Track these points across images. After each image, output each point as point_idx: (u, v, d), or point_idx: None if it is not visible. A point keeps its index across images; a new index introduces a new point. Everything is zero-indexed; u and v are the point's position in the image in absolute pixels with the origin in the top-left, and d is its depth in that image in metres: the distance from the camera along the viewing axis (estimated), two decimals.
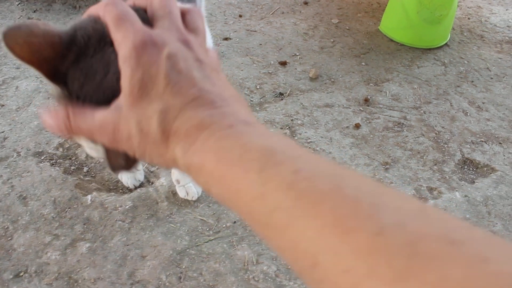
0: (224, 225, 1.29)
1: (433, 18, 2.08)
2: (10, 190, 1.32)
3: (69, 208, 1.30)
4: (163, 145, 0.31)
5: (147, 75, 0.31)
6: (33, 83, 1.72)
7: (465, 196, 1.46)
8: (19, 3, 2.23)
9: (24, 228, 1.24)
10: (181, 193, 1.34)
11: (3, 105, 1.61)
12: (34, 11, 2.20)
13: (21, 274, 1.14)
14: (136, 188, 1.37)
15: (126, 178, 1.36)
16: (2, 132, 1.51)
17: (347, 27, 2.28)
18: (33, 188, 1.34)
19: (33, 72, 1.78)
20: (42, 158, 1.43)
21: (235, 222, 1.29)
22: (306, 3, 2.44)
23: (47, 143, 1.48)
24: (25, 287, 1.11)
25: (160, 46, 0.32)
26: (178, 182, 1.33)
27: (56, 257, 1.18)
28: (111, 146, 0.34)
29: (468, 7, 2.54)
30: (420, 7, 2.05)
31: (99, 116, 0.33)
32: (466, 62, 2.11)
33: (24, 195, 1.32)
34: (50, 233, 1.23)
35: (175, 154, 0.31)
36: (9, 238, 1.21)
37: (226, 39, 2.09)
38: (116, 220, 1.27)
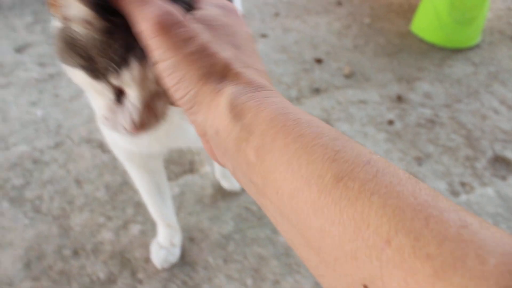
0: None
1: (464, 19, 2.12)
2: (66, 174, 1.41)
3: (120, 192, 1.38)
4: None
5: None
6: None
7: (497, 192, 1.51)
8: None
9: (80, 209, 1.32)
10: (226, 184, 1.39)
11: (57, 95, 1.71)
12: None
13: (79, 251, 1.22)
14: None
15: (157, 256, 1.21)
16: (57, 120, 1.60)
17: (379, 27, 2.34)
18: (87, 172, 1.42)
19: None
20: (94, 145, 1.52)
21: None
22: (339, 3, 2.50)
23: (98, 131, 1.57)
24: (83, 263, 1.20)
25: None
26: (223, 176, 1.37)
27: (110, 237, 1.26)
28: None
29: (499, 9, 2.58)
30: (452, 9, 2.10)
31: None
32: (496, 62, 2.15)
33: (79, 178, 1.40)
34: (103, 215, 1.32)
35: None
36: (67, 218, 1.30)
37: (263, 36, 2.16)
38: None
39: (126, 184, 1.40)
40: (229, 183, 1.38)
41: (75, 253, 1.22)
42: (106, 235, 1.27)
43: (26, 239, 1.23)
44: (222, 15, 0.43)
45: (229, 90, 0.36)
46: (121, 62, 0.44)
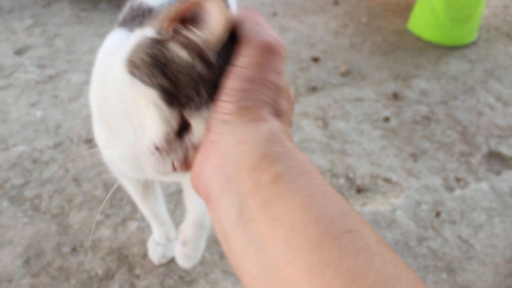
0: None
1: (460, 17, 2.14)
2: (65, 173, 1.43)
3: (118, 190, 1.40)
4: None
5: None
6: (83, 76, 1.84)
7: (492, 187, 1.52)
8: (69, 3, 2.37)
9: (78, 208, 1.34)
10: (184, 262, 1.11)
11: (56, 96, 1.73)
12: (82, 10, 2.33)
13: (77, 248, 1.24)
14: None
15: (154, 252, 1.22)
16: (56, 120, 1.63)
17: (376, 26, 2.35)
18: (85, 171, 1.45)
19: (82, 66, 1.90)
20: (92, 144, 1.54)
21: None
22: (336, 2, 2.52)
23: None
24: (81, 260, 1.22)
25: None
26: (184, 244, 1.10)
27: (108, 234, 1.28)
28: None
29: (495, 6, 2.59)
30: (448, 6, 2.12)
31: None
32: (492, 59, 2.16)
33: (78, 177, 1.43)
34: (102, 212, 1.33)
35: None
36: (65, 216, 1.32)
37: None
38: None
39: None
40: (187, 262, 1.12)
41: (74, 250, 1.24)
42: (105, 232, 1.29)
43: (25, 237, 1.25)
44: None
45: (275, 122, 0.40)
46: (207, 101, 0.43)
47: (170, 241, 1.22)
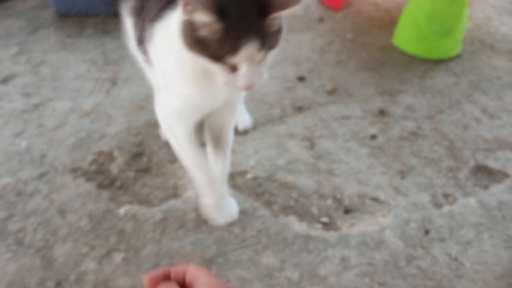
0: (249, 234, 1.36)
1: (444, 30, 2.15)
2: (50, 204, 1.42)
3: (104, 220, 1.39)
4: None
5: None
6: (68, 103, 1.84)
7: (479, 201, 1.51)
8: (54, 29, 2.37)
9: (63, 240, 1.33)
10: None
11: (41, 125, 1.72)
12: (68, 36, 2.34)
13: (62, 282, 1.23)
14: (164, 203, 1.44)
15: (217, 214, 1.36)
16: (41, 150, 1.62)
17: (361, 42, 2.36)
18: (70, 202, 1.43)
19: (68, 93, 1.90)
20: (78, 173, 1.53)
21: (259, 231, 1.37)
22: (321, 19, 2.53)
23: (82, 159, 1.58)
24: None
25: None
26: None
27: (93, 267, 1.27)
28: None
29: (478, 18, 2.61)
30: (431, 20, 2.13)
31: None
32: (477, 72, 2.17)
33: (63, 208, 1.41)
34: (87, 244, 1.32)
35: None
36: (50, 249, 1.30)
37: None
38: (147, 231, 1.35)
39: (109, 211, 1.41)
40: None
41: (58, 284, 1.22)
42: (90, 265, 1.27)
43: (8, 273, 1.23)
44: None
45: None
46: (234, 49, 0.83)
47: (223, 197, 1.36)
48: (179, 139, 1.19)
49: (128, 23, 1.25)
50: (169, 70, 1.05)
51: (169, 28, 0.98)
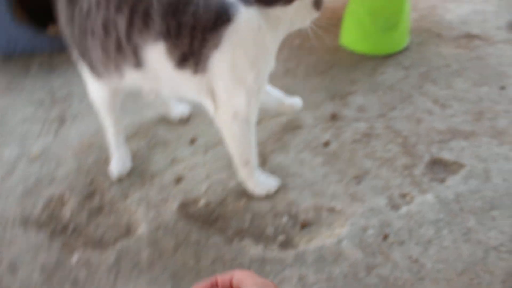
0: (204, 264, 1.33)
1: (388, 25, 2.15)
2: None
3: (56, 271, 1.35)
4: None
5: None
6: (15, 150, 1.79)
7: (437, 196, 1.51)
8: None
9: None
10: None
11: None
12: (13, 77, 2.29)
13: None
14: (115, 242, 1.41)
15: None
16: None
17: (309, 47, 2.35)
18: (21, 256, 1.39)
19: (15, 138, 1.85)
20: (28, 224, 1.49)
21: (214, 260, 1.34)
22: None
23: (32, 207, 1.54)
24: None
25: None
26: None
27: None
28: None
29: (423, 8, 2.62)
30: (374, 17, 2.13)
31: None
32: (426, 62, 2.17)
33: (13, 264, 1.37)
34: None
35: None
36: None
37: None
38: (101, 277, 1.32)
39: (62, 261, 1.37)
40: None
41: None
42: None
43: None
44: None
45: None
46: None
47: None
48: (251, 127, 1.39)
49: (150, 51, 1.22)
50: (248, 61, 1.23)
51: (248, 23, 1.17)
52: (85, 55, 1.36)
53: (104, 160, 1.69)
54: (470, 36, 2.36)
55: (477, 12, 2.56)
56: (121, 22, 1.18)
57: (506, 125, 1.78)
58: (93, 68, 1.38)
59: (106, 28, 1.22)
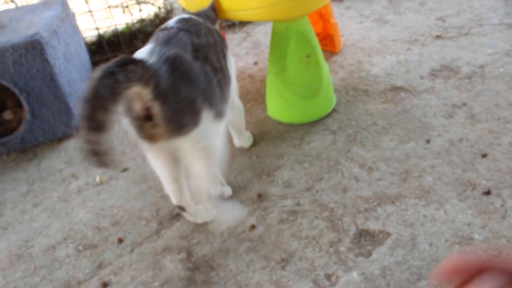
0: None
1: (309, 92, 2.15)
2: None
3: None
4: None
5: None
6: None
7: (362, 273, 1.46)
8: None
9: None
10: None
11: None
12: None
13: None
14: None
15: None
16: None
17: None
18: None
19: None
20: None
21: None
22: None
23: None
24: None
25: None
26: None
27: None
28: None
29: (350, 65, 2.64)
30: (293, 88, 2.12)
31: None
32: (354, 122, 2.16)
33: None
34: None
35: None
36: None
37: (124, 170, 2.12)
38: None
39: None
40: None
41: None
42: None
43: None
44: None
45: None
46: None
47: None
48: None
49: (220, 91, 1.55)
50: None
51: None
52: None
53: (32, 271, 1.63)
54: (395, 89, 2.36)
55: (400, 63, 2.58)
56: None
57: (432, 182, 1.76)
58: None
59: None
